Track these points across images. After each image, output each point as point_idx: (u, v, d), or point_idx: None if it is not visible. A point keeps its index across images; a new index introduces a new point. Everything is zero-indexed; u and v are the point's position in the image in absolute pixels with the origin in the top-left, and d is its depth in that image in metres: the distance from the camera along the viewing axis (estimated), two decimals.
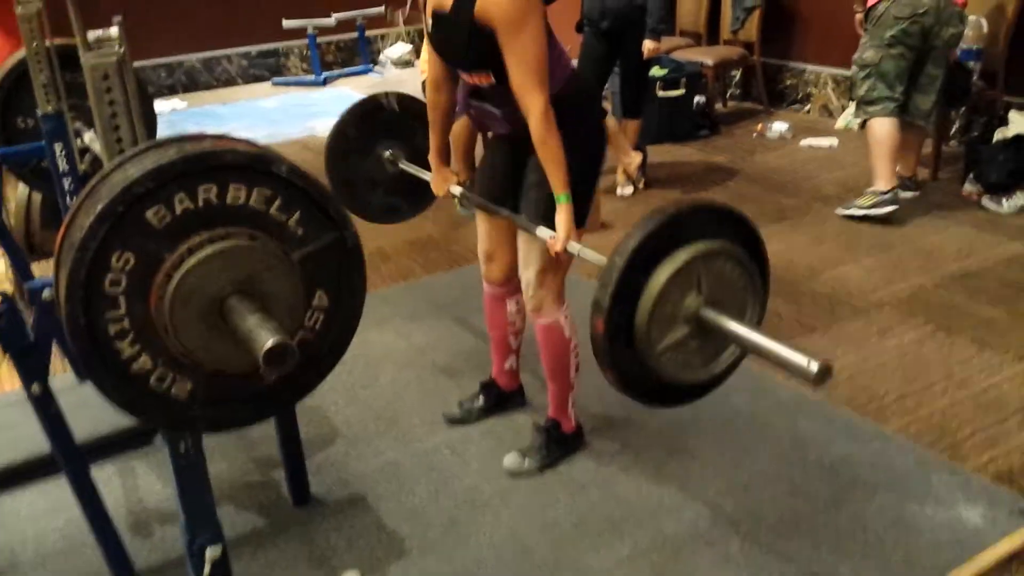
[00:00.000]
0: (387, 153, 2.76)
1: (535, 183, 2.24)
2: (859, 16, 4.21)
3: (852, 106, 4.28)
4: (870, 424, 2.66)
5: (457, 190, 2.52)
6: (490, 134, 2.53)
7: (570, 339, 2.43)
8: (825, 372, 1.48)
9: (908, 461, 2.49)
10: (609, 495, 2.42)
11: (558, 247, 2.12)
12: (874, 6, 4.02)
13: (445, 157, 2.55)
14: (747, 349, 1.65)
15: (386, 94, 2.76)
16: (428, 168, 2.61)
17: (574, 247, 2.11)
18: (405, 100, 2.78)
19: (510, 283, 2.56)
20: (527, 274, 2.36)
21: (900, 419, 2.69)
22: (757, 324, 1.70)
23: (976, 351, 3.03)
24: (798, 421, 2.69)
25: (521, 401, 2.83)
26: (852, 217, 4.15)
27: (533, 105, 2.06)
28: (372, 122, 2.74)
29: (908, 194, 4.32)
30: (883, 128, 4.03)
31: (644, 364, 1.65)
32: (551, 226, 2.16)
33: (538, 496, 2.44)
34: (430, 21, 2.23)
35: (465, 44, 2.11)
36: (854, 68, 4.15)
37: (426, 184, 2.66)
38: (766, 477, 2.46)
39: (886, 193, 4.08)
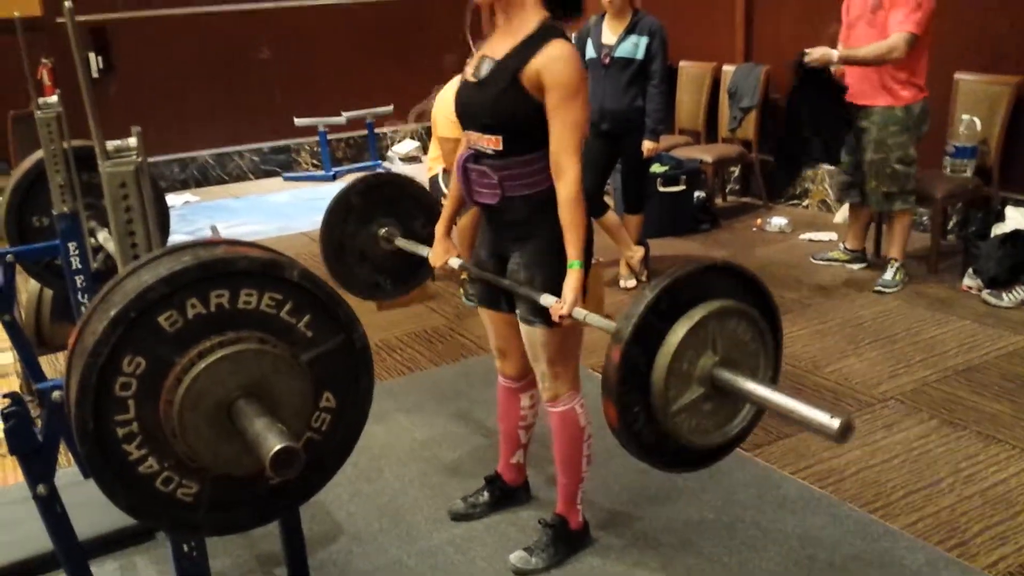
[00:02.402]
0: (383, 231, 2.76)
1: (525, 280, 2.28)
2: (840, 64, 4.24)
3: (893, 199, 4.41)
4: (878, 522, 2.64)
5: (456, 262, 2.51)
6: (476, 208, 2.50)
7: (584, 428, 2.43)
8: (847, 428, 1.44)
9: (918, 560, 2.46)
10: None
11: (564, 310, 2.11)
12: (909, 105, 4.23)
13: (450, 231, 2.58)
14: (764, 407, 1.62)
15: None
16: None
17: (579, 313, 2.10)
18: (410, 184, 2.84)
19: (525, 378, 2.57)
20: (539, 367, 2.38)
21: (908, 516, 2.66)
22: (771, 383, 1.68)
23: (982, 446, 3.02)
24: (806, 518, 2.67)
25: (526, 497, 2.81)
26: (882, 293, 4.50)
27: (570, 168, 2.15)
28: (375, 197, 2.77)
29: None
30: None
31: (657, 423, 1.63)
32: (544, 314, 2.20)
33: None
34: (469, 72, 2.30)
35: (494, 102, 2.19)
36: (898, 165, 4.31)
37: (414, 266, 2.72)
38: None
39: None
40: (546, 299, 2.19)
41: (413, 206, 2.80)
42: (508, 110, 2.18)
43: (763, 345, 1.69)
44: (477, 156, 2.30)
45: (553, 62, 2.11)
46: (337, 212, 2.74)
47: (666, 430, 1.63)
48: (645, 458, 1.70)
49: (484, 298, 2.51)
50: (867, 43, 4.15)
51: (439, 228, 2.56)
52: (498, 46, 2.23)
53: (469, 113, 2.31)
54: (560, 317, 2.13)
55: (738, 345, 1.65)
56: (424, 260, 2.63)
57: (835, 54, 4.16)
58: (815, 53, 4.18)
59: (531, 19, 2.18)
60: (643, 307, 1.58)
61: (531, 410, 2.63)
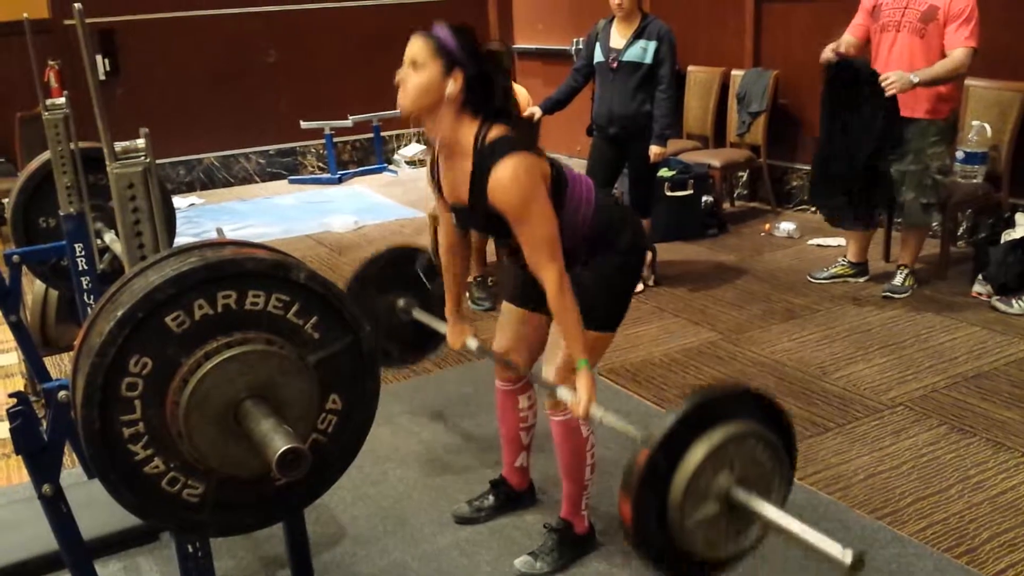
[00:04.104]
0: (401, 302, 2.83)
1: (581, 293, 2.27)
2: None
3: (930, 211, 4.38)
4: (887, 528, 2.62)
5: (474, 343, 2.58)
6: None
7: (587, 437, 2.42)
8: (859, 563, 1.45)
9: (927, 567, 2.44)
10: None
11: (579, 413, 2.13)
12: (947, 115, 4.19)
13: (460, 311, 2.63)
14: (777, 532, 1.67)
15: (428, 258, 2.89)
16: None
17: (596, 413, 2.12)
18: (424, 254, 2.93)
19: (523, 379, 2.59)
20: (548, 369, 2.37)
21: (917, 522, 2.64)
22: (783, 503, 1.73)
23: (991, 453, 3.00)
24: (814, 524, 2.63)
25: (531, 500, 2.80)
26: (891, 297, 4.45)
27: (547, 279, 2.14)
28: (398, 269, 2.84)
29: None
30: None
31: (669, 530, 1.66)
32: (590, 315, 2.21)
33: None
34: (451, 212, 2.35)
35: (487, 225, 2.25)
36: (938, 176, 4.26)
37: (424, 340, 2.85)
38: None
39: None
40: (563, 393, 2.21)
41: (430, 283, 2.87)
42: (502, 228, 2.19)
43: (779, 466, 1.74)
44: (510, 250, 2.33)
45: (497, 192, 2.11)
46: (357, 282, 2.80)
47: (676, 538, 1.67)
48: (650, 561, 1.73)
49: (517, 297, 2.53)
50: (914, 53, 4.04)
51: (449, 314, 2.63)
52: (454, 183, 2.24)
53: (479, 231, 2.36)
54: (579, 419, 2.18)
55: (755, 465, 1.70)
56: (436, 334, 2.71)
57: (913, 78, 3.88)
58: (892, 78, 3.88)
59: (465, 134, 2.17)
60: (674, 419, 1.63)
61: (530, 411, 2.63)
